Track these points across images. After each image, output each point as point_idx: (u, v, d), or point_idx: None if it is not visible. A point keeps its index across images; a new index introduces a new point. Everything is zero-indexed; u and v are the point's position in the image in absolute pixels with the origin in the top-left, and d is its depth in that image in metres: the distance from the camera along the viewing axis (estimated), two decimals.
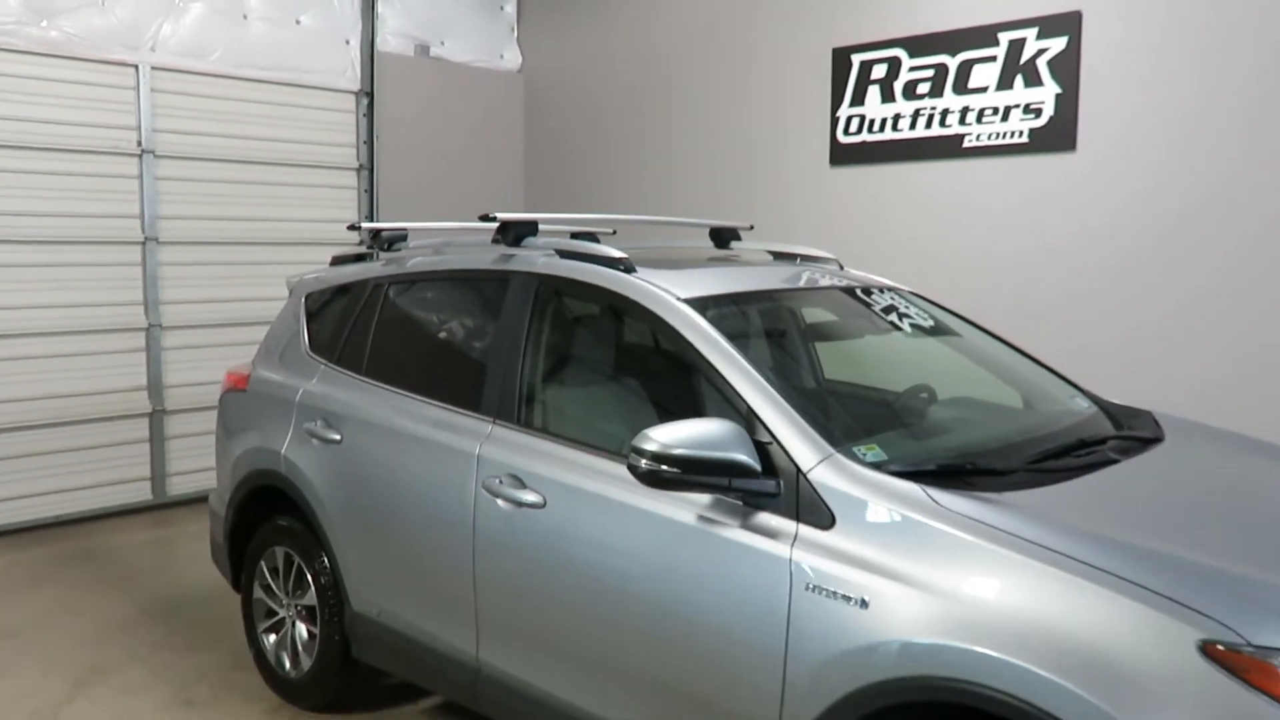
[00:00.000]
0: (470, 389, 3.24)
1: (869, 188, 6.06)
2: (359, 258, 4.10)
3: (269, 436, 3.84)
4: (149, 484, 6.37)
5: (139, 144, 6.16)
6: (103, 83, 6.03)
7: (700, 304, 2.89)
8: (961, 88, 5.64)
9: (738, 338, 2.85)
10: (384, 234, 3.92)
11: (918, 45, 5.81)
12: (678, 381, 3.00)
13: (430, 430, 3.27)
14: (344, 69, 6.95)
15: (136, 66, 6.12)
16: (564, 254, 3.25)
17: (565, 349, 3.30)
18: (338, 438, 3.56)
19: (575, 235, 4.24)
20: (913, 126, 5.85)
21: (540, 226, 3.55)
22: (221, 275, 6.47)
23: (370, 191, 7.11)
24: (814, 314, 3.43)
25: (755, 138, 6.55)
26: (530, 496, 2.88)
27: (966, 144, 5.64)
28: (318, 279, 4.12)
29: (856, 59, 6.05)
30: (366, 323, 3.75)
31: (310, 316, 4.04)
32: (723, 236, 4.09)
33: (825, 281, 3.43)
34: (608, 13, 7.32)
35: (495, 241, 3.44)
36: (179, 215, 6.34)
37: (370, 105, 7.05)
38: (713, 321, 2.82)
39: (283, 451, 3.74)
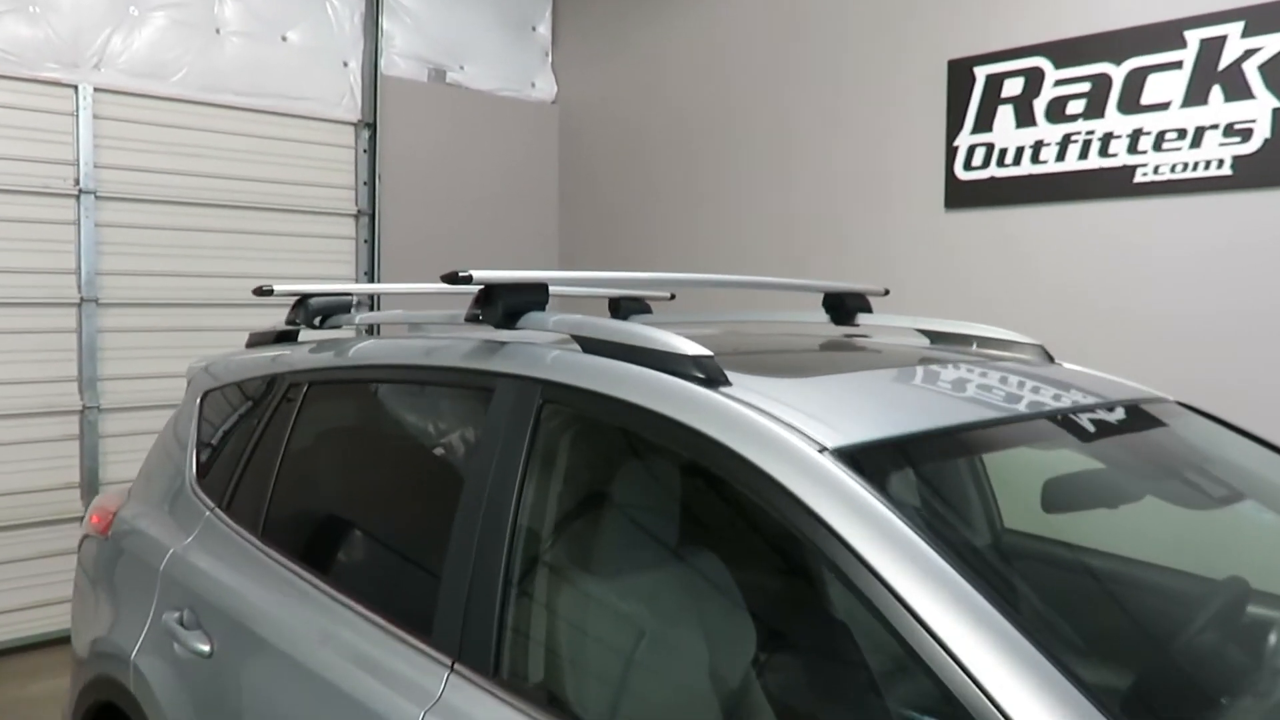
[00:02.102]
0: (419, 597, 1.69)
1: (999, 237, 4.45)
2: (284, 336, 2.55)
3: (121, 626, 2.30)
4: None
5: (76, 182, 4.73)
6: (32, 107, 4.62)
7: (866, 459, 1.33)
8: (1131, 105, 4.05)
9: (942, 529, 1.28)
10: (312, 302, 2.37)
11: (1067, 51, 4.23)
12: (810, 610, 1.41)
13: (346, 671, 1.69)
14: (341, 95, 5.50)
15: (75, 88, 4.71)
16: (588, 344, 1.70)
17: (588, 533, 1.72)
18: (206, 648, 2.00)
19: (616, 305, 2.71)
20: (1061, 157, 4.25)
21: (557, 291, 1.99)
22: (176, 345, 4.98)
23: (371, 242, 5.63)
24: (1059, 461, 1.79)
25: (845, 178, 4.97)
26: None
27: (1140, 178, 4.04)
28: (219, 369, 2.58)
29: (981, 72, 4.48)
30: (272, 448, 2.21)
31: (203, 428, 2.50)
32: (845, 307, 2.51)
33: (1068, 399, 1.81)
34: (660, 33, 5.82)
35: (473, 319, 1.87)
36: (125, 271, 4.88)
37: (372, 139, 5.58)
38: (895, 500, 1.25)
39: (133, 657, 2.19)
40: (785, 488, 1.30)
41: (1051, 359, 2.23)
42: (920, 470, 1.43)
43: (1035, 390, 1.80)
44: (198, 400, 2.57)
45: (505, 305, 1.83)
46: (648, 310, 2.96)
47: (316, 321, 2.38)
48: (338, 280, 5.52)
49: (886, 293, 2.64)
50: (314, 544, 2.02)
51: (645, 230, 5.89)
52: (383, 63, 5.62)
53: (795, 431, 1.37)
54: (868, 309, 2.55)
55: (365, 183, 5.60)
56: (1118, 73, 4.09)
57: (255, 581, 2.00)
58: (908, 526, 1.21)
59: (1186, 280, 3.93)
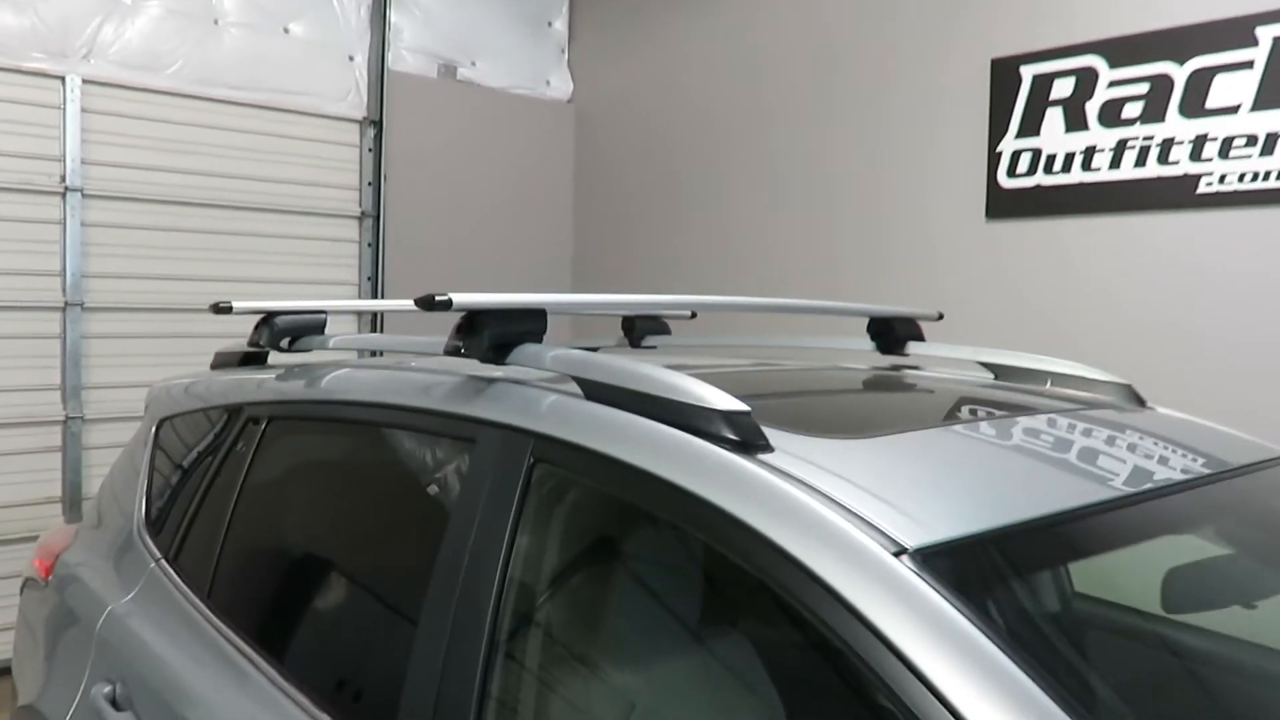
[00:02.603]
0: (378, 687, 1.36)
1: (1046, 250, 4.08)
2: (251, 358, 2.22)
3: (51, 693, 1.98)
4: None
5: (62, 179, 4.41)
6: (15, 99, 4.32)
7: (961, 565, 0.98)
8: (1195, 108, 3.68)
9: (1073, 674, 0.92)
10: (278, 320, 2.03)
11: (1124, 50, 3.86)
12: None
13: None
14: (345, 91, 5.17)
15: (63, 79, 4.40)
16: (592, 388, 1.36)
17: (583, 635, 1.37)
18: None
19: (630, 324, 2.37)
20: (1115, 165, 3.88)
21: (559, 310, 1.65)
22: (166, 353, 4.65)
23: (375, 246, 5.30)
24: (1182, 547, 1.40)
25: (881, 185, 4.61)
26: None
27: (1204, 189, 3.67)
28: (178, 392, 2.25)
29: (1028, 72, 4.11)
30: (225, 493, 1.88)
31: (158, 462, 2.17)
32: (894, 334, 2.16)
33: (1188, 462, 1.44)
34: (684, 29, 5.47)
35: (454, 352, 1.52)
36: (113, 273, 4.57)
37: (378, 137, 5.25)
38: (1008, 629, 0.90)
39: None
40: (850, 604, 0.95)
41: (1142, 401, 1.87)
42: (1030, 578, 1.08)
43: (1149, 452, 1.44)
44: (153, 428, 2.23)
45: (493, 336, 1.48)
46: (666, 331, 2.62)
47: (284, 344, 2.04)
48: (339, 286, 5.20)
49: (940, 317, 2.28)
50: (262, 616, 1.68)
51: (666, 237, 5.54)
52: (390, 57, 5.29)
53: (862, 523, 1.02)
54: (919, 335, 2.20)
55: (370, 183, 5.27)
56: (1180, 73, 3.72)
57: (193, 658, 1.66)
58: (1030, 675, 0.86)
59: (1256, 302, 3.56)
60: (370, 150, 5.26)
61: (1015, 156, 4.16)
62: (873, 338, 2.21)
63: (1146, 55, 3.81)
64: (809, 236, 4.87)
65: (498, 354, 1.49)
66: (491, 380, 1.51)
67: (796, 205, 4.93)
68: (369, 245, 5.31)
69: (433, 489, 1.57)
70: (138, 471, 2.20)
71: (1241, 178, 3.59)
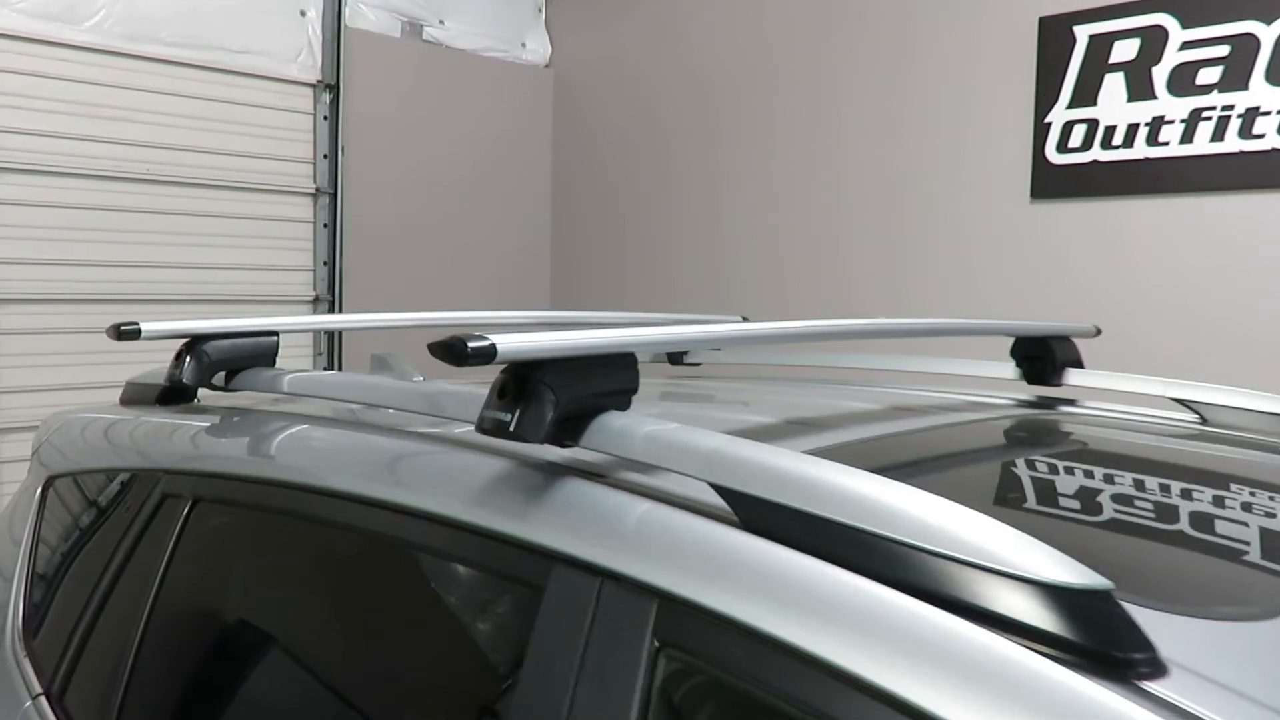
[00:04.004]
0: None
1: (1103, 235, 3.55)
2: (173, 394, 1.57)
3: None
4: None
5: None
6: None
7: None
8: None
9: None
10: (208, 348, 1.39)
11: (1199, 7, 3.32)
12: None
13: None
14: (297, 51, 4.47)
15: None
16: (759, 511, 0.76)
17: None
18: None
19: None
20: (1188, 138, 3.34)
21: (566, 348, 1.01)
22: (89, 351, 3.96)
23: (332, 227, 4.62)
24: None
25: (907, 161, 4.03)
26: None
27: None
28: (71, 440, 1.61)
29: (1083, 32, 3.55)
30: (132, 604, 1.24)
31: (46, 534, 1.53)
32: (1050, 359, 1.59)
33: None
34: None
35: (497, 431, 0.90)
36: (25, 259, 3.87)
37: (335, 104, 4.57)
38: None
39: None
40: None
41: None
42: None
43: None
44: (38, 490, 1.59)
45: (561, 403, 0.87)
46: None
47: (218, 379, 1.41)
48: (291, 272, 4.53)
49: (1098, 332, 1.71)
50: None
51: (656, 218, 4.92)
52: (348, 13, 4.60)
53: None
54: (1078, 360, 1.62)
55: (326, 156, 4.59)
56: (1268, 34, 3.19)
57: None
58: None
59: None
60: (326, 118, 4.58)
61: (1067, 128, 3.60)
62: (1018, 362, 1.63)
63: (1227, 13, 3.27)
64: (823, 219, 4.28)
65: (567, 431, 0.88)
66: (560, 473, 0.91)
67: (808, 184, 4.33)
68: (325, 226, 4.63)
69: (460, 659, 0.97)
70: (18, 546, 1.56)
71: None
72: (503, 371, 0.89)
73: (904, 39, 4.01)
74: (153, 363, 1.65)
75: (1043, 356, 1.59)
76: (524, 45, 5.25)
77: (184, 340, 1.40)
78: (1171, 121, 3.39)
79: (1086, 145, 3.57)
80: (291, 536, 1.17)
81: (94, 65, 3.97)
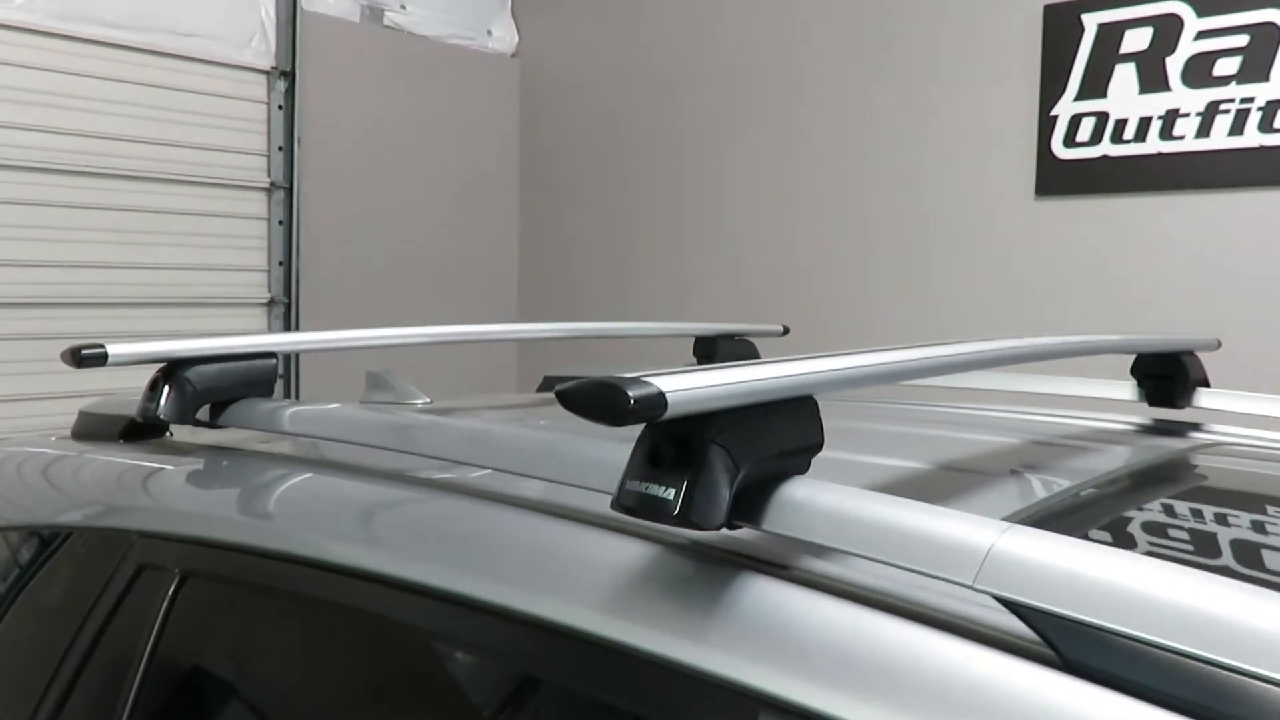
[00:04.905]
0: None
1: (1113, 235, 3.37)
2: (140, 429, 1.26)
3: None
4: None
5: None
6: None
7: None
8: None
9: None
10: (189, 375, 1.09)
11: None
12: None
13: None
14: (249, 35, 4.13)
15: None
16: (1078, 642, 0.49)
17: None
18: None
19: (709, 348, 1.55)
20: (1204, 132, 3.18)
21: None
22: (19, 361, 3.58)
23: (288, 224, 4.27)
24: None
25: (903, 155, 3.81)
26: None
27: None
28: (9, 477, 1.29)
29: (1092, 21, 3.37)
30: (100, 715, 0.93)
31: None
32: (1179, 378, 1.36)
33: None
34: None
35: (646, 511, 0.63)
36: None
37: (290, 92, 4.23)
38: None
39: None
40: None
41: None
42: None
43: None
44: None
45: (737, 469, 0.62)
46: (755, 356, 1.77)
47: (203, 414, 1.12)
48: (244, 273, 4.18)
49: (1218, 345, 1.49)
50: None
51: (627, 213, 4.65)
52: None
53: None
54: (1205, 379, 1.40)
55: (281, 148, 4.24)
56: None
57: None
58: None
59: None
60: (281, 108, 4.23)
61: (1074, 122, 3.42)
62: (1139, 381, 1.40)
63: (1246, 1, 3.10)
64: (817, 217, 4.04)
65: (743, 509, 0.62)
66: (739, 569, 0.65)
67: (794, 181, 4.10)
68: (280, 223, 4.28)
69: None
70: None
71: None
72: (652, 428, 0.63)
73: (899, 27, 3.80)
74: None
75: (1173, 375, 1.36)
76: (490, 33, 4.94)
77: (160, 365, 1.11)
78: (1187, 115, 3.22)
79: (1095, 139, 3.38)
80: (329, 639, 0.88)
81: (26, 47, 3.59)
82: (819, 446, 0.68)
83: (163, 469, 1.11)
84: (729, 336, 1.82)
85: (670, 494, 0.61)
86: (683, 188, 4.44)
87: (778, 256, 4.13)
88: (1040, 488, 0.97)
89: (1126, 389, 1.41)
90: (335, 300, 4.35)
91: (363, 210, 4.49)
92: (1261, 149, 3.09)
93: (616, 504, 0.64)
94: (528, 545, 0.76)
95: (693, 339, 1.85)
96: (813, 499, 0.61)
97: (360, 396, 1.60)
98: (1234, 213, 3.16)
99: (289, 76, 4.22)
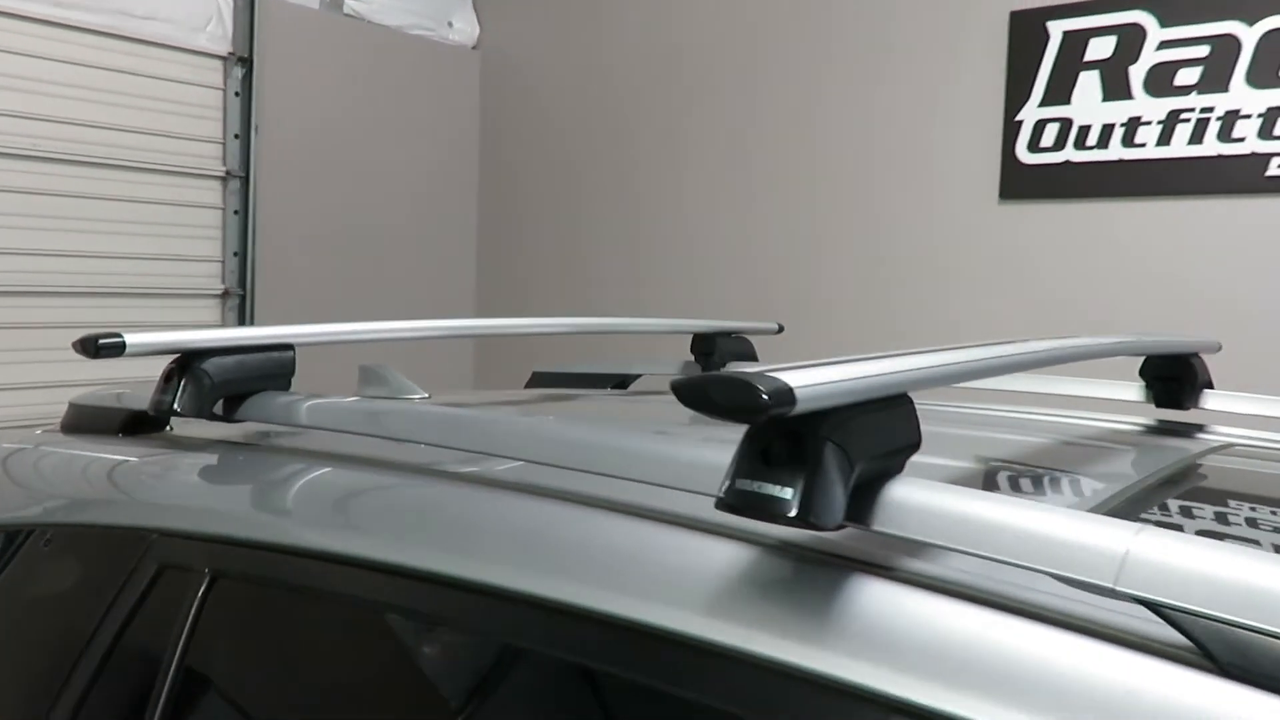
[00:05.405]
0: None
1: (1076, 239, 3.43)
2: (140, 423, 1.21)
3: None
4: None
5: None
6: None
7: None
8: (1267, 77, 3.10)
9: None
10: (208, 366, 1.04)
11: (1179, 6, 3.23)
12: None
13: None
14: (205, 19, 4.01)
15: None
16: None
17: None
18: None
19: (708, 345, 1.55)
20: (1165, 140, 3.25)
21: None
22: None
23: (244, 214, 4.17)
24: None
25: (869, 157, 3.84)
26: None
27: (1274, 170, 3.10)
28: None
29: (1057, 28, 3.43)
30: None
31: None
32: (1190, 377, 1.39)
33: None
34: None
35: (747, 512, 0.61)
36: None
37: (248, 79, 4.12)
38: None
39: None
40: None
41: None
42: None
43: None
44: None
45: (862, 472, 0.59)
46: (752, 355, 1.79)
47: (217, 408, 1.07)
48: (199, 263, 4.06)
49: (1219, 348, 1.51)
50: None
51: (588, 209, 4.62)
52: None
53: None
54: (1209, 380, 1.42)
55: (237, 135, 4.13)
56: (1249, 35, 3.11)
57: None
58: None
59: None
60: (237, 94, 4.12)
61: (1039, 127, 3.47)
62: (1148, 384, 1.42)
63: (1207, 13, 3.18)
64: (782, 217, 4.05)
65: (855, 508, 0.60)
66: (851, 571, 0.63)
67: (756, 180, 4.10)
68: (236, 213, 4.17)
69: None
70: None
71: None
72: (767, 425, 0.60)
73: (868, 30, 3.82)
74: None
75: (1180, 377, 1.38)
76: (451, 24, 4.87)
77: (174, 357, 1.06)
78: (1149, 122, 3.28)
79: (1059, 145, 3.44)
80: (382, 642, 0.84)
81: None
82: (918, 446, 0.67)
83: (178, 464, 1.06)
84: (726, 334, 1.81)
85: (788, 493, 0.59)
86: (642, 183, 4.42)
87: (738, 255, 4.13)
88: (1101, 488, 0.97)
89: (1134, 390, 1.43)
90: (292, 292, 4.25)
91: (320, 201, 4.40)
92: (1220, 158, 3.17)
93: (723, 504, 0.62)
94: (611, 546, 0.73)
95: (667, 336, 1.84)
96: (934, 500, 0.59)
97: (353, 391, 1.56)
98: (1193, 220, 3.23)
99: (246, 63, 4.11)
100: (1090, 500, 0.89)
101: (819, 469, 0.59)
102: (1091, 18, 3.37)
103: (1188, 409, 1.40)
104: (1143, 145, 3.29)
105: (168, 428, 1.24)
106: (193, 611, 0.89)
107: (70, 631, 0.99)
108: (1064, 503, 0.89)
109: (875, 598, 0.62)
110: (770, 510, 0.60)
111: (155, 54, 3.89)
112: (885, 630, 0.60)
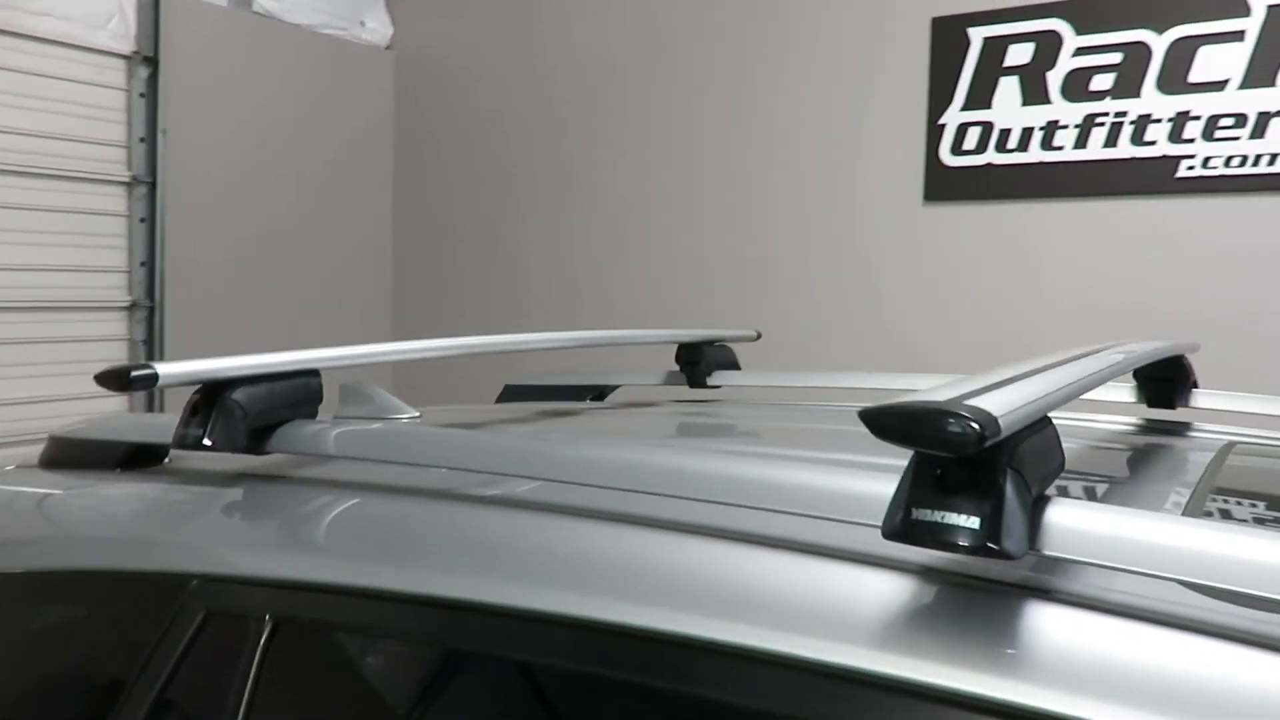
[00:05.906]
0: None
1: (997, 238, 3.54)
2: (142, 456, 1.12)
3: None
4: None
5: None
6: None
7: None
8: (1176, 83, 3.24)
9: None
10: (237, 397, 0.98)
11: (1093, 14, 3.36)
12: None
13: None
14: (107, 16, 3.81)
15: None
16: None
17: None
18: None
19: (695, 355, 1.55)
20: (1081, 143, 3.38)
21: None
22: None
23: (151, 221, 3.97)
24: None
25: (794, 161, 3.88)
26: None
27: (1185, 172, 3.24)
28: None
29: (977, 35, 3.53)
30: None
31: None
32: (1183, 377, 1.44)
33: None
34: None
35: (924, 542, 0.59)
36: None
37: (153, 80, 3.93)
38: None
39: None
40: None
41: None
42: None
43: None
44: None
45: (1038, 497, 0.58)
46: (734, 363, 1.79)
47: (242, 439, 1.00)
48: (103, 274, 3.85)
49: (1198, 347, 1.57)
50: None
51: (504, 214, 4.55)
52: None
53: None
54: (1194, 381, 1.48)
55: (143, 139, 3.93)
56: (1159, 42, 3.25)
57: None
58: None
59: (1245, 299, 3.15)
60: (142, 95, 3.92)
61: (961, 130, 3.57)
62: (1141, 384, 1.46)
63: (1120, 21, 3.31)
64: (697, 218, 4.06)
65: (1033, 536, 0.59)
66: (1027, 600, 0.61)
67: (681, 181, 4.11)
68: (142, 220, 3.97)
69: None
70: None
71: (1229, 161, 3.17)
72: (930, 452, 0.59)
73: (793, 36, 3.86)
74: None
75: (1173, 378, 1.43)
76: (363, 24, 4.73)
77: (197, 388, 0.98)
78: (1066, 126, 3.40)
79: (981, 148, 3.54)
80: (475, 687, 0.79)
81: None
82: (1064, 466, 0.66)
83: (209, 502, 0.99)
84: (710, 343, 1.79)
85: (975, 522, 0.58)
86: (569, 186, 4.38)
87: (667, 257, 4.13)
88: (1168, 491, 0.99)
89: (1127, 390, 1.47)
90: (203, 303, 4.07)
91: (231, 206, 4.22)
92: (1133, 160, 3.30)
93: (895, 535, 0.60)
94: (761, 581, 0.70)
95: (632, 347, 1.83)
96: (1122, 524, 0.59)
97: (335, 410, 1.49)
98: (1109, 219, 3.36)
99: (151, 62, 3.92)
100: (1179, 506, 0.90)
101: (1004, 497, 0.58)
102: (1010, 25, 3.48)
103: (1177, 408, 1.45)
104: (1060, 148, 3.41)
105: (165, 460, 1.16)
106: (256, 660, 0.83)
107: (94, 685, 0.92)
108: (1152, 508, 0.90)
109: (1054, 623, 0.62)
110: (954, 540, 0.58)
111: (53, 52, 3.67)
112: (1068, 656, 0.60)
